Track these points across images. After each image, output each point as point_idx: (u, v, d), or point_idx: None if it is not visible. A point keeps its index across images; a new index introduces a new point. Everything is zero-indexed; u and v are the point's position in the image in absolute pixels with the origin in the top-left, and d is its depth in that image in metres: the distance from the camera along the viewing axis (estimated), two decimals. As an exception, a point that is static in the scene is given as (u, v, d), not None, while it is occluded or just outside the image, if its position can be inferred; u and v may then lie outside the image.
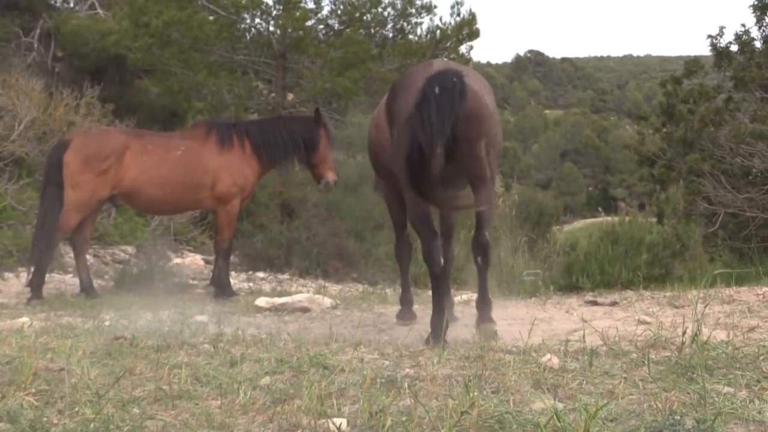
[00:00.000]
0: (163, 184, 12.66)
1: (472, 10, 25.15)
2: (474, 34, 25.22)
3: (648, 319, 8.01)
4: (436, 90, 7.36)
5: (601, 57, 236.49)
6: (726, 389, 4.90)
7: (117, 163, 12.36)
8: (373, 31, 25.40)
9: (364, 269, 18.68)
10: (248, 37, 25.66)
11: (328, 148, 13.69)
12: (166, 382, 5.29)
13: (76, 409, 4.63)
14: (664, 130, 35.04)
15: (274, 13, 24.21)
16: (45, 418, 4.49)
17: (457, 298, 10.76)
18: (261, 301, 10.97)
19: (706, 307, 6.34)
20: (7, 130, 15.71)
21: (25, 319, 8.92)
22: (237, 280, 15.31)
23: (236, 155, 13.05)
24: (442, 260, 7.89)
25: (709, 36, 32.87)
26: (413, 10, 25.33)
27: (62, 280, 14.08)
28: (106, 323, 8.90)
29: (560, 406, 4.55)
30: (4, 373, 5.35)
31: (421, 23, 25.73)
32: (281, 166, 14.32)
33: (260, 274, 17.08)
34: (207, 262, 17.11)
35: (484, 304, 8.20)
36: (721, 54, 32.57)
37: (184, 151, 12.88)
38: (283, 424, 4.52)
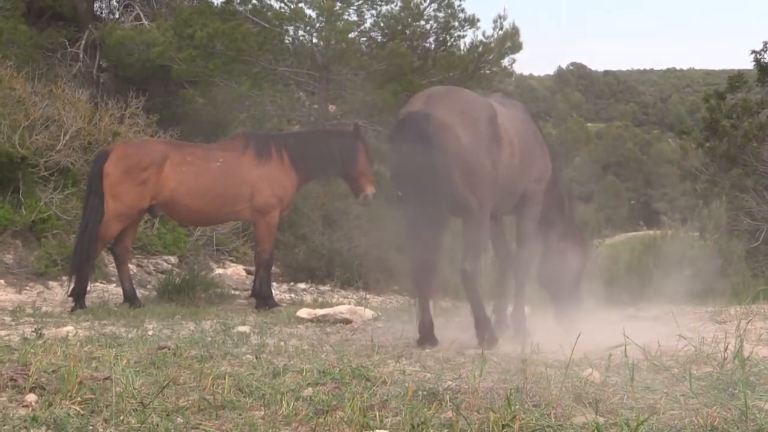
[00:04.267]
0: (201, 195, 12.70)
1: (515, 24, 25.15)
2: (517, 47, 25.19)
3: (690, 334, 7.98)
4: (400, 137, 7.95)
5: (644, 70, 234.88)
6: (768, 406, 4.88)
7: (156, 174, 12.42)
8: (415, 43, 25.42)
9: (405, 281, 18.65)
10: (291, 49, 25.76)
11: (368, 162, 13.72)
12: (209, 392, 5.33)
13: (122, 418, 4.68)
14: (707, 144, 34.77)
15: (318, 25, 24.30)
16: (91, 427, 4.54)
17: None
18: (303, 312, 10.99)
19: (748, 323, 6.31)
20: (53, 140, 15.81)
21: (69, 327, 8.98)
22: (278, 291, 15.35)
23: (275, 166, 13.08)
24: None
25: (753, 51, 32.68)
26: (456, 23, 25.34)
27: (105, 289, 14.17)
28: (150, 333, 8.94)
29: (601, 420, 4.56)
30: (50, 382, 5.41)
31: (464, 36, 25.76)
32: (319, 179, 14.40)
33: (301, 285, 17.12)
34: (249, 272, 17.15)
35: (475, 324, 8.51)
36: (764, 69, 32.36)
37: (223, 162, 12.92)
38: (326, 435, 4.55)
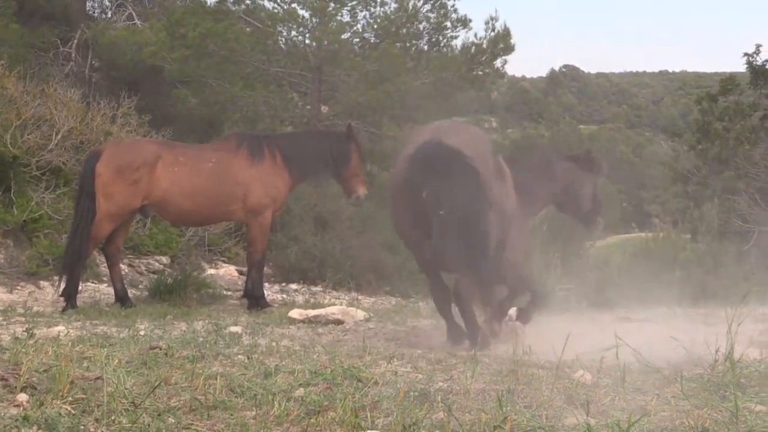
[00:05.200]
0: (194, 196, 12.69)
1: (507, 25, 25.12)
2: (509, 49, 25.18)
3: (681, 336, 7.99)
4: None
5: (637, 72, 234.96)
6: (758, 407, 4.90)
7: (149, 174, 12.40)
8: (408, 44, 25.41)
9: (397, 282, 18.67)
10: (284, 50, 25.72)
11: (360, 162, 13.76)
12: (201, 393, 5.33)
13: (113, 417, 4.67)
14: (699, 147, 34.79)
15: (310, 25, 24.28)
16: (82, 427, 4.54)
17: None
18: (294, 313, 11.00)
19: (739, 325, 6.32)
20: (44, 140, 15.77)
21: (60, 327, 8.97)
22: (270, 292, 15.35)
23: (267, 167, 13.08)
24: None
25: (746, 54, 32.71)
26: (449, 24, 25.33)
27: (97, 289, 14.15)
28: (141, 333, 8.94)
29: (592, 421, 4.57)
30: (41, 381, 5.40)
31: (456, 37, 25.73)
32: (312, 179, 14.42)
33: (293, 286, 17.12)
34: (241, 273, 17.14)
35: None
36: (757, 72, 32.38)
37: (216, 162, 12.91)
38: (318, 435, 4.55)
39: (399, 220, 8.90)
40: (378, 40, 25.00)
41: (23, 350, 6.47)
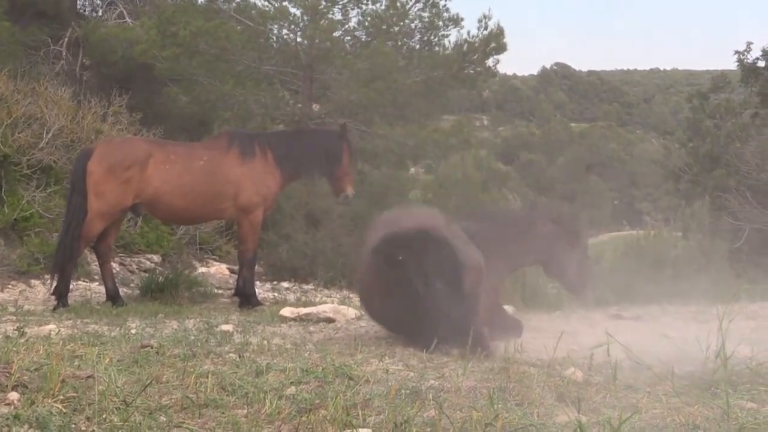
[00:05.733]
0: (185, 194, 12.67)
1: (500, 24, 25.06)
2: (501, 48, 25.10)
3: (672, 333, 8.01)
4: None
5: (628, 70, 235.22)
6: (749, 404, 4.92)
7: (140, 172, 12.36)
8: (400, 43, 25.38)
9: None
10: (275, 48, 25.67)
11: (350, 162, 13.78)
12: (192, 391, 5.33)
13: (104, 416, 4.67)
14: (690, 145, 34.89)
15: (302, 23, 24.22)
16: (73, 425, 4.54)
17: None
18: (286, 311, 11.00)
19: (730, 322, 6.32)
20: (35, 138, 15.76)
21: (51, 326, 8.96)
22: (262, 290, 15.34)
23: (258, 165, 13.07)
24: None
25: (737, 51, 32.83)
26: (441, 23, 25.27)
27: (88, 288, 14.14)
28: (133, 331, 8.94)
29: (584, 419, 4.58)
30: (32, 380, 5.39)
31: (448, 36, 25.67)
32: (303, 178, 14.42)
33: (285, 284, 17.11)
34: (232, 271, 17.14)
35: None
36: (748, 70, 32.50)
37: (207, 161, 12.89)
38: (309, 433, 4.55)
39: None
40: (369, 39, 24.95)
41: (14, 349, 6.45)
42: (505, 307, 11.27)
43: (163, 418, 4.73)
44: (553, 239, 10.09)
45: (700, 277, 15.00)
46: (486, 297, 9.02)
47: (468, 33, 25.13)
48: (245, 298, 13.06)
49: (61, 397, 5.02)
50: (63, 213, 13.23)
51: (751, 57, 32.44)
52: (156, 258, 16.62)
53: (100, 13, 29.56)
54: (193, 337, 8.38)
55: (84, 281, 14.50)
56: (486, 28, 24.86)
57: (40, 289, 13.56)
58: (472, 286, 8.43)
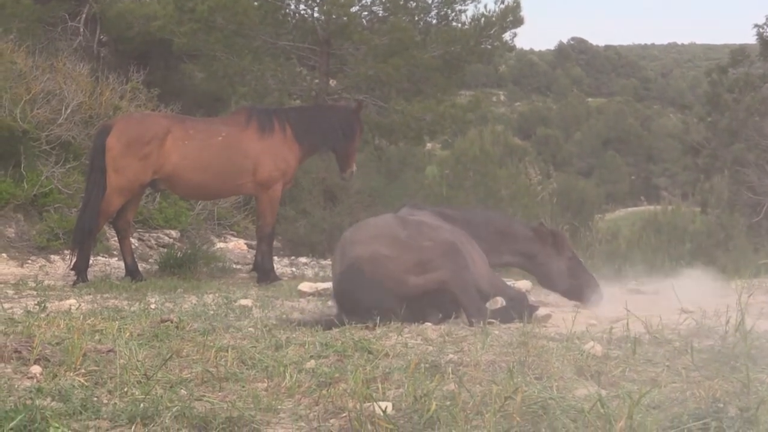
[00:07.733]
0: (204, 169, 12.66)
1: (518, -2, 24.99)
2: (518, 22, 25.03)
3: (691, 308, 8.00)
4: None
5: (645, 45, 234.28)
6: (769, 378, 4.91)
7: (159, 148, 12.36)
8: (416, 18, 25.30)
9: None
10: (292, 23, 25.64)
11: (359, 140, 13.91)
12: (213, 365, 5.36)
13: (126, 389, 4.71)
14: (709, 119, 34.77)
15: (319, -1, 24.23)
16: (95, 398, 4.57)
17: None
18: (304, 286, 11.02)
19: (749, 296, 6.31)
20: (54, 114, 15.77)
21: (72, 301, 8.99)
22: (279, 265, 15.36)
23: (277, 140, 13.06)
24: None
25: (756, 25, 32.71)
26: (458, -3, 25.23)
27: (107, 263, 14.18)
28: (152, 306, 8.96)
29: (603, 393, 4.59)
30: (54, 354, 5.43)
31: (465, 10, 25.60)
32: (321, 152, 14.49)
33: (303, 259, 17.13)
34: (250, 246, 17.16)
35: None
36: (767, 43, 32.31)
37: (225, 136, 12.88)
38: (329, 407, 4.57)
39: None
40: (387, 14, 24.92)
41: (36, 323, 6.50)
42: (523, 281, 11.28)
43: (183, 392, 4.76)
44: (530, 243, 9.88)
45: (718, 251, 14.97)
46: (482, 266, 8.93)
47: (485, 7, 25.15)
48: (263, 273, 13.06)
49: (83, 370, 5.06)
50: (82, 189, 13.27)
51: (770, 30, 32.26)
52: (174, 233, 16.66)
53: (116, -11, 29.54)
54: (212, 312, 8.41)
55: (103, 256, 14.55)
56: (503, 2, 24.78)
57: (60, 265, 13.61)
58: (453, 261, 8.34)
